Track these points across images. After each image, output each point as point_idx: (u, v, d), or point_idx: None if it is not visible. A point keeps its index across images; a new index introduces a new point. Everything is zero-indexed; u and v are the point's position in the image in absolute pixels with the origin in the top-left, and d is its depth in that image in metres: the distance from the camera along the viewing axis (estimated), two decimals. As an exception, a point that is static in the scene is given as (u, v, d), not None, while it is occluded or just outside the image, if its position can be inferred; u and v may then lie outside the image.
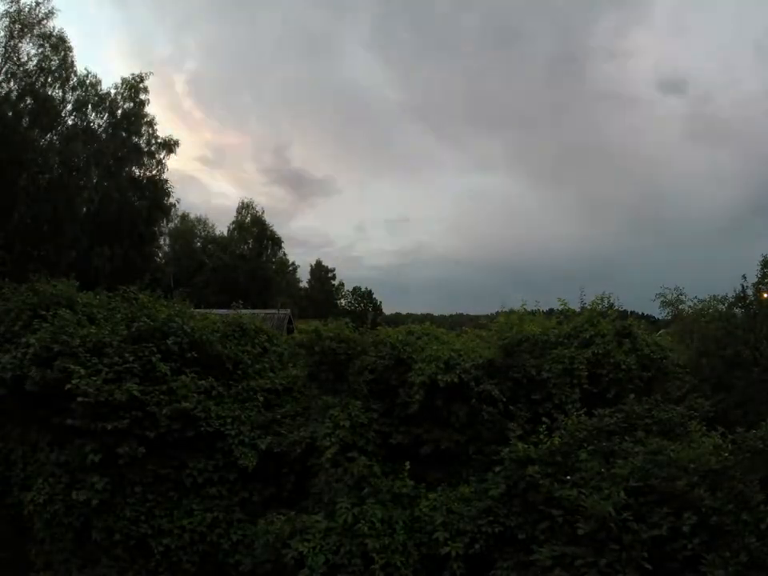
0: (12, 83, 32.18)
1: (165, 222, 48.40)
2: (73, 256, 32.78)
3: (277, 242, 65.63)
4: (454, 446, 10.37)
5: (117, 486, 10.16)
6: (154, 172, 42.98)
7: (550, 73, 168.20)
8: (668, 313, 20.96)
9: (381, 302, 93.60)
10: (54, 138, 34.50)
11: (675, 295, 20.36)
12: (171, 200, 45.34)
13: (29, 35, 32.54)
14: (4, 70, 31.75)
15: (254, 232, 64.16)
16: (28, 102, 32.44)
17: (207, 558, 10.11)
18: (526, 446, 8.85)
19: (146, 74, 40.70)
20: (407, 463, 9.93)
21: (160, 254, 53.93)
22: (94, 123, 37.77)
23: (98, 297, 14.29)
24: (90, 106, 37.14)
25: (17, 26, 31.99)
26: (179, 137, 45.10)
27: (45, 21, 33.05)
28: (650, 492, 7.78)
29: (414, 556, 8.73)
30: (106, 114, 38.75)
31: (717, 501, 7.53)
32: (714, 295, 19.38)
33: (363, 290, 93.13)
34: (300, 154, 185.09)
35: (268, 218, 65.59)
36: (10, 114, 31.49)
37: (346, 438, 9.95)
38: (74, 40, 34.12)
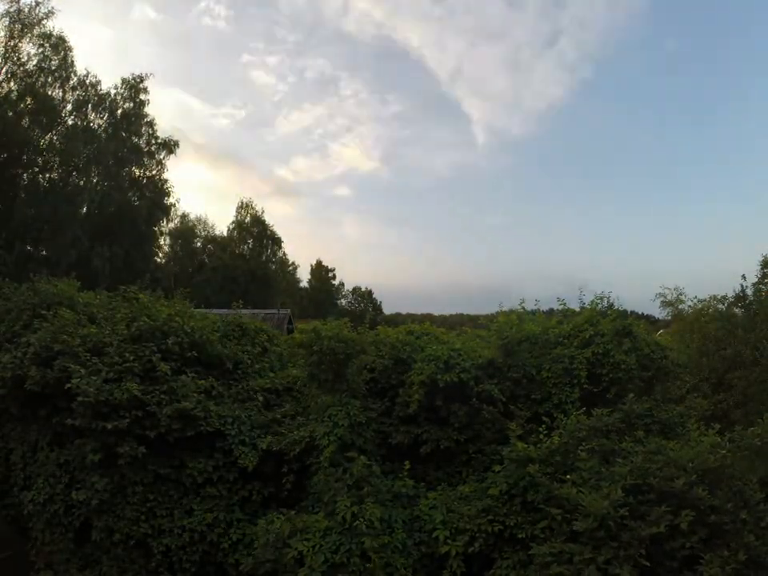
0: (12, 83, 32.23)
1: (165, 221, 48.49)
2: (73, 256, 32.80)
3: (277, 241, 65.69)
4: (454, 445, 10.38)
5: (117, 485, 10.16)
6: (153, 172, 43.06)
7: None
8: (668, 313, 21.02)
9: (381, 302, 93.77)
10: (54, 137, 34.52)
11: (675, 295, 20.44)
12: (171, 200, 45.44)
13: (29, 35, 32.59)
14: (4, 69, 31.77)
15: (253, 232, 64.16)
16: (28, 101, 32.46)
17: (207, 558, 10.10)
18: (525, 445, 8.86)
19: (146, 74, 40.80)
20: (407, 463, 9.95)
21: (160, 254, 54.07)
22: (93, 123, 37.82)
23: (98, 297, 14.32)
24: (89, 106, 37.17)
25: (17, 26, 32.04)
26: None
27: (45, 21, 33.12)
28: (648, 491, 7.79)
29: (414, 555, 8.74)
30: (106, 114, 38.80)
31: (715, 499, 7.53)
32: (714, 295, 19.44)
33: (363, 289, 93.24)
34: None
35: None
36: (11, 113, 31.49)
37: (345, 438, 9.96)
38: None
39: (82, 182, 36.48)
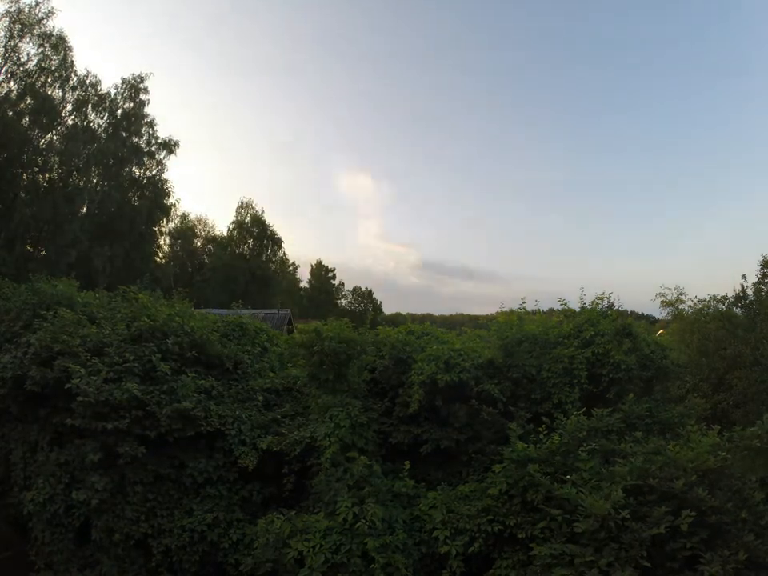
0: (12, 83, 32.21)
1: (165, 221, 48.52)
2: (73, 256, 32.78)
3: (277, 241, 65.60)
4: (454, 445, 10.38)
5: (117, 485, 10.16)
6: (153, 172, 43.07)
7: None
8: (668, 313, 20.98)
9: (381, 302, 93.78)
10: (54, 137, 34.51)
11: (675, 295, 20.40)
12: (171, 200, 45.45)
13: (29, 35, 32.55)
14: (4, 69, 31.74)
15: (253, 232, 64.10)
16: (28, 101, 32.43)
17: (207, 558, 10.11)
18: (525, 445, 8.85)
19: (146, 74, 40.80)
20: (407, 463, 9.95)
21: (160, 254, 54.07)
22: (94, 123, 37.82)
23: (97, 297, 14.33)
24: (90, 106, 37.16)
25: (17, 26, 31.99)
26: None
27: (45, 20, 33.08)
28: (648, 491, 7.78)
29: (414, 555, 8.74)
30: (106, 114, 38.80)
31: (715, 499, 7.52)
32: (714, 295, 19.39)
33: (363, 289, 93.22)
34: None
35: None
36: (11, 113, 31.47)
37: (346, 438, 9.96)
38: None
39: (82, 181, 36.48)
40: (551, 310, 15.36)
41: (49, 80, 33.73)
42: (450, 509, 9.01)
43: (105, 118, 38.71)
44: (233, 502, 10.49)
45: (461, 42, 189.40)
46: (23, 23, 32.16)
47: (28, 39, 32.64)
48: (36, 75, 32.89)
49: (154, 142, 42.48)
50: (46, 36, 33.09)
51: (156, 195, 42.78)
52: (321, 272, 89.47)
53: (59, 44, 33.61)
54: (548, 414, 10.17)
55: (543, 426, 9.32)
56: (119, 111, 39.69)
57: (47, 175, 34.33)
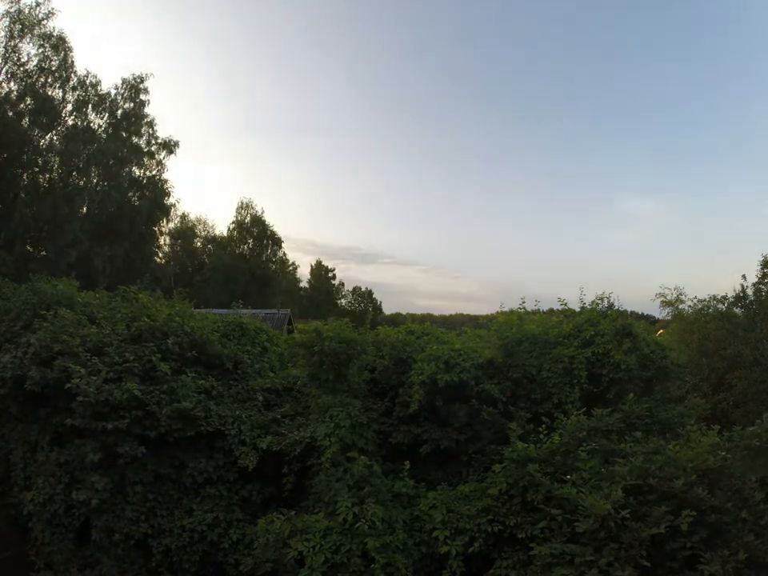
0: (12, 83, 32.19)
1: (165, 221, 48.50)
2: (73, 256, 32.76)
3: (277, 241, 65.61)
4: (454, 445, 10.38)
5: (117, 485, 10.16)
6: (153, 172, 43.07)
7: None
8: (668, 313, 21.00)
9: (381, 302, 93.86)
10: (54, 137, 34.50)
11: (675, 295, 20.41)
12: (171, 200, 45.46)
13: (29, 35, 32.55)
14: (4, 70, 31.74)
15: (253, 232, 64.13)
16: (28, 102, 32.43)
17: (207, 558, 10.11)
18: (525, 445, 8.86)
19: (146, 74, 40.79)
20: (407, 463, 9.95)
21: (160, 254, 54.05)
22: (94, 123, 37.78)
23: (97, 297, 14.33)
24: (90, 106, 37.14)
25: (17, 26, 31.98)
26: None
27: (45, 21, 33.07)
28: (648, 491, 7.79)
29: (414, 555, 8.74)
30: (106, 114, 38.76)
31: (715, 499, 7.53)
32: (714, 295, 19.41)
33: (363, 289, 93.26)
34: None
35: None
36: (11, 114, 31.47)
37: (346, 438, 9.96)
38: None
39: (82, 182, 36.46)
40: (551, 310, 15.37)
41: (49, 80, 33.70)
42: (450, 509, 9.02)
43: (105, 118, 38.68)
44: (233, 502, 10.49)
45: (461, 41, 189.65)
46: (23, 24, 32.14)
47: (28, 40, 32.64)
48: (36, 75, 32.87)
49: (153, 142, 42.48)
50: (46, 36, 33.07)
51: (156, 195, 42.76)
52: (321, 272, 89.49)
53: (59, 44, 33.59)
54: (548, 414, 10.18)
55: (543, 426, 9.32)
56: (119, 111, 39.66)
57: (47, 175, 34.32)
